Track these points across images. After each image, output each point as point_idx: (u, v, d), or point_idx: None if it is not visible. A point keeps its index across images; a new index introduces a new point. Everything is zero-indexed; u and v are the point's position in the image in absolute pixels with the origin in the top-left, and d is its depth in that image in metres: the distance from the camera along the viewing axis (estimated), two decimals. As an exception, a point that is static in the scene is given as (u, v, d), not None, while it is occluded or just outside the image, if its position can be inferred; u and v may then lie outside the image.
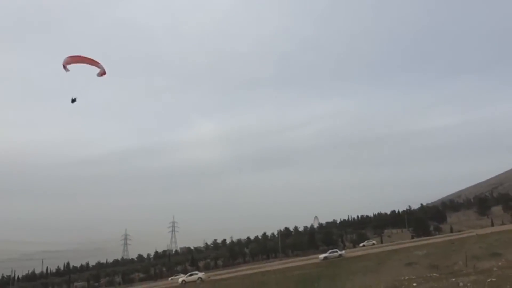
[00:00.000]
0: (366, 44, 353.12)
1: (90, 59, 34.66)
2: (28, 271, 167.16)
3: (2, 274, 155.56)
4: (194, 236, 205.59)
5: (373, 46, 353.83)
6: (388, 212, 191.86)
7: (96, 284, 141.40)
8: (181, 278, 79.50)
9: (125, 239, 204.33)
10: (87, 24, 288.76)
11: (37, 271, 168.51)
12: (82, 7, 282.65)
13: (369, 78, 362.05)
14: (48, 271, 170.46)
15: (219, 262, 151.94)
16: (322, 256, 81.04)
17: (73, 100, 33.77)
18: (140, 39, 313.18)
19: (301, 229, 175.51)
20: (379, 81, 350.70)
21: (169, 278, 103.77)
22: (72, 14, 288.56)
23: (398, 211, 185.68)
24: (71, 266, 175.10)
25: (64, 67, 32.97)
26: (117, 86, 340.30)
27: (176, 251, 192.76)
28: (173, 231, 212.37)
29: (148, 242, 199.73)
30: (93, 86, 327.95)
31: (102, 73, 34.77)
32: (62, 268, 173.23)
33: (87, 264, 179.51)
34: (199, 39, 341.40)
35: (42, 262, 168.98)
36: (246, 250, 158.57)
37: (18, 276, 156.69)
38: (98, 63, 34.84)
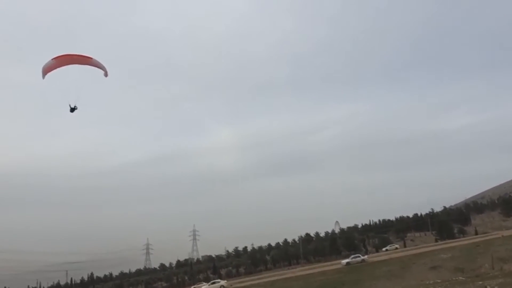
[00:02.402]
0: (381, 45, 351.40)
1: (79, 56, 30.70)
2: (53, 282, 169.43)
3: (28, 286, 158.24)
4: (215, 244, 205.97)
5: (388, 47, 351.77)
6: (411, 215, 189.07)
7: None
8: (204, 286, 79.78)
9: (147, 248, 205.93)
10: (104, 33, 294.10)
11: (62, 282, 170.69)
12: (100, 16, 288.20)
13: (385, 79, 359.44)
14: (73, 282, 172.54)
15: (241, 269, 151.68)
16: (344, 261, 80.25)
17: (72, 109, 30.90)
18: (156, 47, 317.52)
19: (322, 234, 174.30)
20: (396, 82, 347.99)
21: (192, 287, 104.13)
22: (89, 23, 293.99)
23: (421, 214, 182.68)
24: (95, 277, 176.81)
25: (47, 72, 29.58)
26: (135, 94, 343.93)
27: (197, 259, 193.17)
28: (194, 239, 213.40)
29: (170, 251, 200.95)
30: (111, 96, 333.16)
31: (94, 64, 31.05)
32: (86, 278, 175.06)
33: (111, 274, 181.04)
34: (215, 45, 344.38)
35: (67, 273, 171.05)
36: (268, 257, 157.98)
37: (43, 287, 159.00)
38: (90, 59, 31.13)
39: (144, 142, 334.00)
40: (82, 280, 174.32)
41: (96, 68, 31.69)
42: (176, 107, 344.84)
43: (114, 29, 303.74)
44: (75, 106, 30.93)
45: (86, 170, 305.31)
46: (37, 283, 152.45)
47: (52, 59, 29.60)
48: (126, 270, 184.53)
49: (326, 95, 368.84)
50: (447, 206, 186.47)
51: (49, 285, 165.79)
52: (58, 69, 30.31)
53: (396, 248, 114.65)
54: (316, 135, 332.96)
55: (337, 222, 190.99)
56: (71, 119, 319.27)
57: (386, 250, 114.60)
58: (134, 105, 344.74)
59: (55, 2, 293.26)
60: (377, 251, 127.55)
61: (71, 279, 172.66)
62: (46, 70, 29.67)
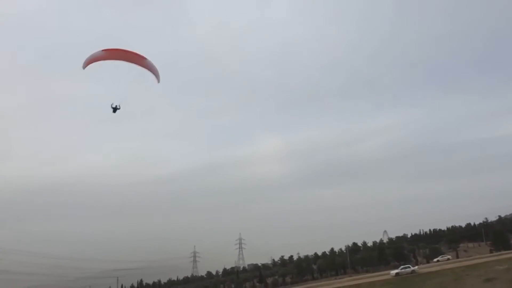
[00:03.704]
0: (431, 50, 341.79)
1: (133, 53, 27.78)
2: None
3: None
4: (261, 252, 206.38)
5: (439, 52, 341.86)
6: (463, 225, 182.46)
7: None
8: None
9: (194, 256, 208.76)
10: (151, 44, 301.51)
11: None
12: (147, 28, 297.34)
13: (435, 86, 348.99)
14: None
15: (287, 278, 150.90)
16: (393, 272, 78.44)
17: (115, 109, 29.45)
18: (203, 57, 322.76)
19: (369, 244, 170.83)
20: (447, 88, 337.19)
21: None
22: (137, 35, 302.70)
23: (474, 224, 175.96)
24: (144, 284, 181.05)
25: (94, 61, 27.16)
26: (182, 104, 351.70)
27: (243, 267, 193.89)
28: (240, 248, 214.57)
29: (217, 259, 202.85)
30: (160, 107, 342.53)
31: (147, 66, 28.59)
32: (135, 285, 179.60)
33: (159, 281, 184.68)
34: (260, 54, 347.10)
35: (117, 279, 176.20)
36: (314, 266, 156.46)
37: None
38: (144, 59, 28.38)
39: (192, 152, 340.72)
40: (132, 286, 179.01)
41: (147, 72, 29.33)
42: (224, 117, 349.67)
43: (161, 40, 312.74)
44: (117, 106, 29.46)
45: (136, 180, 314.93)
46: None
47: (102, 50, 27.26)
48: (174, 278, 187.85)
49: (375, 103, 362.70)
50: (503, 215, 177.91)
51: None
52: (104, 62, 27.78)
53: (448, 259, 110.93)
54: (365, 144, 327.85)
55: (385, 231, 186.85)
56: (120, 130, 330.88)
57: (438, 261, 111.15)
58: (182, 115, 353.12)
59: (102, 16, 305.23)
60: (427, 262, 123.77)
61: (122, 285, 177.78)
62: (92, 60, 27.58)
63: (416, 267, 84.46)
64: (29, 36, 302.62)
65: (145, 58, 28.65)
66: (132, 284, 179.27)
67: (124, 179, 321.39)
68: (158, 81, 29.65)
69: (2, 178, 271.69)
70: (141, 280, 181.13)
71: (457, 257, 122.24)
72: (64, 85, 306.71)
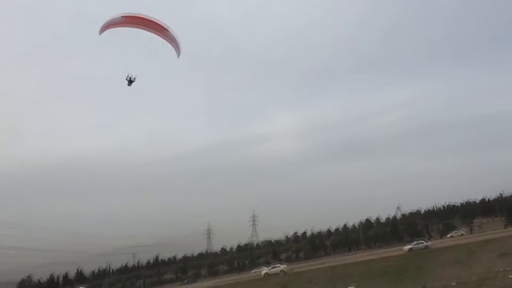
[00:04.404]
0: (446, 23, 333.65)
1: (155, 23, 25.43)
2: (121, 264, 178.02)
3: (99, 267, 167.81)
4: (274, 228, 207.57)
5: (453, 24, 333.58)
6: (478, 201, 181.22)
7: (183, 276, 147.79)
8: (264, 270, 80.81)
9: (209, 232, 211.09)
10: (165, 21, 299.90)
11: (129, 265, 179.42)
12: (160, 5, 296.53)
13: (449, 59, 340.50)
14: (139, 265, 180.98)
15: (301, 254, 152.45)
16: (407, 247, 78.68)
17: (130, 81, 27.94)
18: (215, 34, 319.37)
19: (383, 220, 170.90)
20: (461, 62, 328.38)
21: (252, 271, 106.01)
22: (153, 11, 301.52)
23: (489, 199, 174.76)
24: (159, 260, 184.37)
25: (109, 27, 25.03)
26: (195, 82, 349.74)
27: (257, 244, 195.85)
28: (253, 224, 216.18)
29: (230, 236, 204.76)
30: (170, 83, 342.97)
31: (169, 38, 26.40)
32: (151, 261, 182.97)
33: (175, 257, 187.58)
34: (273, 30, 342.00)
35: (134, 256, 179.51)
36: (327, 242, 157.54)
37: (112, 269, 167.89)
38: (167, 30, 26.12)
39: (206, 130, 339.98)
40: (148, 262, 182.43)
41: (168, 44, 27.07)
42: (235, 94, 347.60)
43: (173, 17, 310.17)
44: (131, 78, 27.84)
45: (151, 159, 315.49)
46: (106, 265, 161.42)
47: (121, 16, 25.21)
48: (189, 254, 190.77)
49: (388, 78, 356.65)
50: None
51: (118, 267, 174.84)
52: (122, 28, 25.54)
53: (462, 235, 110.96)
54: (377, 119, 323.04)
55: (398, 207, 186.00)
56: (135, 108, 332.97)
57: (451, 236, 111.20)
58: (195, 93, 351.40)
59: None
60: (441, 237, 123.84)
61: (138, 261, 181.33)
62: (109, 25, 25.53)
63: (430, 242, 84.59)
64: (45, 14, 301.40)
65: (168, 30, 26.47)
66: (148, 260, 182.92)
67: (139, 157, 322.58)
68: (178, 56, 27.96)
69: (20, 157, 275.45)
70: (157, 256, 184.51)
71: (471, 232, 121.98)
72: (81, 64, 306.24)
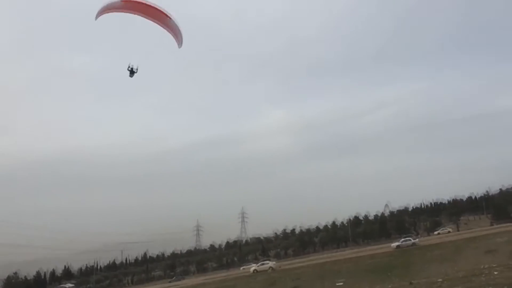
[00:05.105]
0: (433, 22, 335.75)
1: (156, 9, 23.96)
2: (109, 261, 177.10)
3: (86, 264, 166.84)
4: (263, 225, 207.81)
5: (441, 23, 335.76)
6: (465, 198, 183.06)
7: (172, 273, 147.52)
8: (253, 267, 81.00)
9: (197, 229, 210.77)
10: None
11: (117, 261, 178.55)
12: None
13: (437, 58, 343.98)
14: (128, 261, 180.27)
15: (289, 251, 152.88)
16: (394, 244, 79.34)
17: (132, 72, 26.83)
18: (206, 29, 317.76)
19: (371, 217, 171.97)
20: (448, 61, 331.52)
21: (241, 267, 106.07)
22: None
23: (475, 197, 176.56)
24: (148, 256, 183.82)
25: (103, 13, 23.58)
26: (185, 78, 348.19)
27: (246, 240, 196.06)
28: (242, 221, 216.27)
29: (219, 232, 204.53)
30: (163, 80, 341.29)
31: (170, 27, 24.97)
32: (140, 258, 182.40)
33: (163, 254, 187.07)
34: (265, 26, 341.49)
35: (122, 252, 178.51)
36: (316, 239, 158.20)
37: (100, 266, 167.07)
38: (168, 18, 24.55)
39: (195, 126, 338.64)
40: (136, 259, 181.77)
41: (167, 33, 25.51)
42: (226, 90, 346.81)
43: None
44: (132, 69, 26.71)
45: (139, 155, 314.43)
46: (94, 261, 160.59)
47: (120, 0, 23.58)
48: (178, 250, 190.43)
49: (378, 76, 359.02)
50: (504, 188, 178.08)
51: (106, 263, 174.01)
52: (118, 14, 24.21)
53: (449, 232, 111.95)
54: (367, 117, 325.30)
55: (387, 204, 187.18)
56: (125, 103, 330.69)
57: (438, 233, 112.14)
58: (185, 88, 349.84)
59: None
60: (428, 235, 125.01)
61: (126, 258, 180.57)
62: (106, 9, 24.11)
63: (417, 239, 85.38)
64: (37, 6, 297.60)
65: (170, 18, 24.78)
66: (136, 256, 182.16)
67: (127, 154, 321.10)
68: (180, 46, 26.60)
69: (9, 151, 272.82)
70: (145, 253, 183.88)
71: (458, 229, 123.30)
72: (73, 57, 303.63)
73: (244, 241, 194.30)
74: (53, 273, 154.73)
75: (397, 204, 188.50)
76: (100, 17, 24.55)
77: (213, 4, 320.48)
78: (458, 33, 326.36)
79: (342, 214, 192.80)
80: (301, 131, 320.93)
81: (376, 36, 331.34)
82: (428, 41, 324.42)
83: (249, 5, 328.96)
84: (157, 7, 24.14)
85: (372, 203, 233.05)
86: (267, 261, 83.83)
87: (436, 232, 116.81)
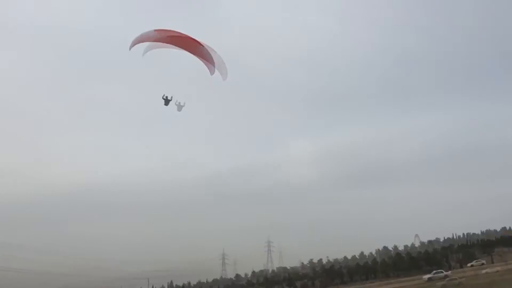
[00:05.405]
0: (467, 52, 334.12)
1: (191, 39, 23.85)
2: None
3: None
4: (290, 256, 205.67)
5: (475, 53, 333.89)
6: (498, 229, 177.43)
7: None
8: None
9: (223, 258, 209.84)
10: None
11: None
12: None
13: (470, 87, 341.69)
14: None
15: (316, 282, 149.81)
16: (426, 276, 77.29)
17: (167, 100, 27.30)
18: (235, 60, 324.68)
19: (401, 248, 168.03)
20: (482, 90, 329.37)
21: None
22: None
23: (509, 228, 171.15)
24: (174, 285, 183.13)
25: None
26: (214, 108, 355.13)
27: (272, 270, 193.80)
28: (269, 251, 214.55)
29: (245, 262, 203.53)
30: (192, 112, 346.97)
31: (203, 56, 24.65)
32: (166, 287, 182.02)
33: (189, 283, 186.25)
34: (293, 57, 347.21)
35: (148, 281, 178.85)
36: (344, 270, 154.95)
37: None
38: (200, 46, 24.23)
39: (222, 155, 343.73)
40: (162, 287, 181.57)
41: (203, 64, 25.20)
42: (254, 120, 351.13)
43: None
44: (168, 97, 27.13)
45: (168, 184, 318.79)
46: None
47: (154, 30, 24.16)
48: (204, 280, 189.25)
49: (408, 105, 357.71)
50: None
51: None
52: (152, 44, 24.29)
53: (483, 264, 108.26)
54: (396, 147, 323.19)
55: (417, 235, 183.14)
56: (154, 133, 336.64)
57: (471, 265, 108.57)
58: (213, 118, 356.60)
59: (136, 21, 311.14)
60: (461, 267, 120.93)
61: (152, 286, 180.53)
62: (140, 40, 24.36)
63: (449, 272, 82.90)
64: (77, 43, 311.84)
65: (202, 45, 24.43)
66: (162, 285, 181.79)
67: (154, 183, 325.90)
68: (225, 78, 26.21)
69: (46, 180, 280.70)
70: (171, 282, 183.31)
71: (492, 262, 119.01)
72: (105, 90, 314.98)
73: (270, 271, 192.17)
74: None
75: (426, 235, 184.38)
76: (136, 46, 25.03)
77: (242, 34, 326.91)
78: (494, 60, 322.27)
79: (369, 245, 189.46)
80: (326, 161, 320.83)
81: (408, 66, 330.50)
82: (463, 69, 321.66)
83: (277, 33, 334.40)
84: (190, 36, 24.25)
85: (400, 234, 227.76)
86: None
87: (469, 264, 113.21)
